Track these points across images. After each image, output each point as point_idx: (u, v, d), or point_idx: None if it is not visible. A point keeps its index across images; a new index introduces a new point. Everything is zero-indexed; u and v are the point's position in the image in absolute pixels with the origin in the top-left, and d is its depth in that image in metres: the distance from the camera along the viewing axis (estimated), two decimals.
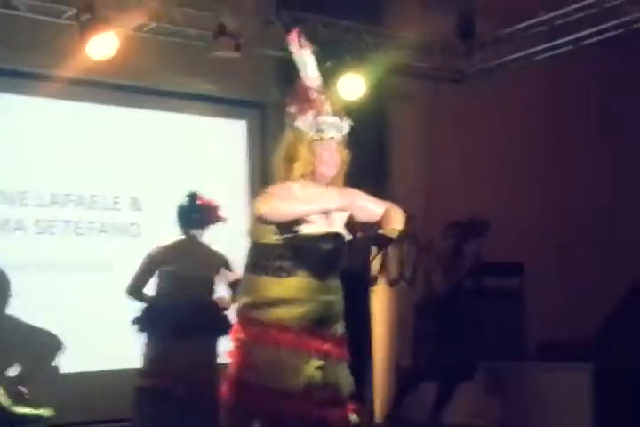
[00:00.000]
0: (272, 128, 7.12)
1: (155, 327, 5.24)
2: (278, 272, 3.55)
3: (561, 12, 6.89)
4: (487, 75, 7.65)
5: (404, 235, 3.71)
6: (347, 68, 6.70)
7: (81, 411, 5.89)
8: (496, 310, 7.52)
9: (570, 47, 7.11)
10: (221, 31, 6.14)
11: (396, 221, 3.65)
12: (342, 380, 3.64)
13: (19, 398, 5.18)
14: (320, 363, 3.55)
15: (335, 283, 3.65)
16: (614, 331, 7.24)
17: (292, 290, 3.55)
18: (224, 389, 3.63)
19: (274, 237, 3.53)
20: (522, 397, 6.66)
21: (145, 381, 5.19)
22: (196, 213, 5.34)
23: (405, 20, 7.58)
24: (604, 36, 6.84)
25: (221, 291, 5.50)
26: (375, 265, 7.05)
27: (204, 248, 5.40)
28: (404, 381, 6.55)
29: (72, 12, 5.83)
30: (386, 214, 3.69)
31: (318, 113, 3.63)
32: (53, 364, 6.05)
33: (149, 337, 5.27)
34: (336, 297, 3.66)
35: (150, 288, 5.39)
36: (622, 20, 6.65)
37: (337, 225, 3.65)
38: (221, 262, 5.42)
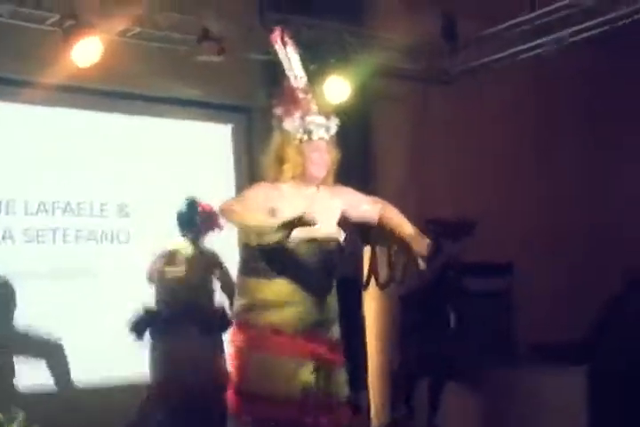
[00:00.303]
0: (258, 132, 7.12)
1: (157, 334, 5.29)
2: (267, 274, 3.55)
3: (544, 10, 6.91)
4: (472, 75, 7.66)
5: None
6: (331, 70, 6.69)
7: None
8: (485, 310, 7.51)
9: (554, 46, 7.14)
10: (205, 35, 6.12)
11: (422, 249, 3.67)
12: (337, 384, 3.63)
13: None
14: (314, 367, 3.54)
15: (328, 284, 3.65)
16: (607, 332, 7.25)
17: (282, 291, 3.55)
18: (228, 395, 3.63)
19: (258, 239, 3.53)
20: (514, 399, 6.64)
21: (153, 389, 5.26)
22: (197, 220, 5.43)
23: (389, 22, 7.59)
24: (588, 33, 6.86)
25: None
26: (365, 268, 7.04)
27: (201, 251, 5.46)
28: (396, 382, 6.54)
29: (55, 18, 5.79)
30: (414, 239, 3.70)
31: (305, 114, 3.64)
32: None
33: (153, 345, 5.32)
34: (330, 298, 3.66)
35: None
36: (607, 17, 6.67)
37: (327, 224, 3.63)
38: (216, 264, 5.46)
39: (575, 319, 7.35)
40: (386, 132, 7.86)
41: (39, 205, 6.30)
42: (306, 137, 3.62)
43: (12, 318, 5.90)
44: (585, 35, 6.86)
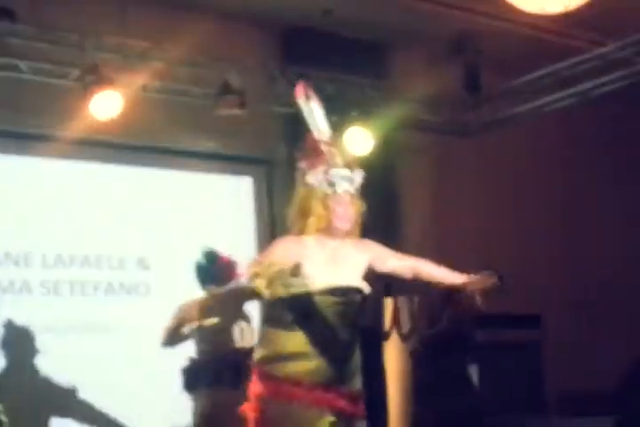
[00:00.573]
0: (278, 184, 7.13)
1: (203, 383, 5.25)
2: (288, 325, 3.52)
3: (567, 63, 6.90)
4: (495, 127, 7.64)
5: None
6: (353, 122, 6.68)
7: None
8: (514, 362, 7.43)
9: (576, 99, 7.11)
10: (226, 89, 6.17)
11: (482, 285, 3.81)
12: None
13: None
14: (333, 419, 3.49)
15: (350, 336, 3.60)
16: (636, 383, 7.10)
17: (302, 343, 3.51)
18: None
19: (282, 290, 3.45)
20: None
21: None
22: (216, 272, 5.37)
23: (411, 74, 7.59)
24: (610, 87, 6.83)
25: None
26: (387, 319, 6.95)
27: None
28: None
29: (76, 73, 5.87)
30: (471, 282, 3.79)
31: (329, 167, 3.63)
32: None
33: (199, 393, 5.27)
34: (351, 351, 3.61)
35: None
36: (628, 70, 6.65)
37: (350, 276, 3.61)
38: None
39: (604, 370, 7.23)
40: (409, 185, 7.82)
41: (57, 258, 6.27)
42: (330, 190, 3.61)
43: (33, 370, 5.85)
44: (610, 87, 6.84)
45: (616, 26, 6.46)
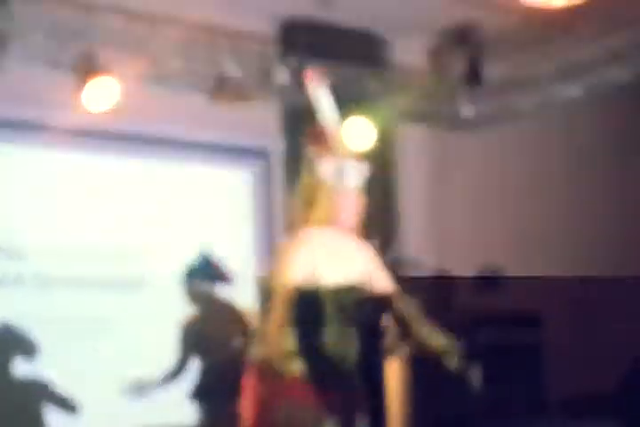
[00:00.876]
0: (277, 176, 7.09)
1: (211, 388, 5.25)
2: (294, 323, 3.41)
3: (570, 55, 6.84)
4: (496, 120, 7.59)
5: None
6: (352, 114, 6.61)
7: None
8: (514, 363, 7.37)
9: (580, 91, 7.05)
10: (224, 79, 6.12)
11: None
12: None
13: None
14: (337, 419, 3.43)
15: (352, 335, 3.54)
16: (637, 385, 7.09)
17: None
18: None
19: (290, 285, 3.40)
20: None
21: None
22: (210, 274, 5.38)
23: (411, 66, 7.54)
24: (615, 78, 6.77)
25: None
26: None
27: (224, 303, 5.43)
28: None
29: (71, 61, 5.79)
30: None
31: (339, 158, 3.53)
32: None
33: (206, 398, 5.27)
34: (354, 349, 3.55)
35: None
36: (634, 62, 6.59)
37: (354, 273, 3.51)
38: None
39: (605, 371, 7.19)
40: (407, 178, 7.77)
41: (51, 250, 6.19)
42: (338, 183, 3.52)
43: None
44: (615, 79, 6.78)
45: (621, 17, 6.40)
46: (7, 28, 5.57)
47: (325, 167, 3.51)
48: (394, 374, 6.92)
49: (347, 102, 6.56)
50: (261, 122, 6.93)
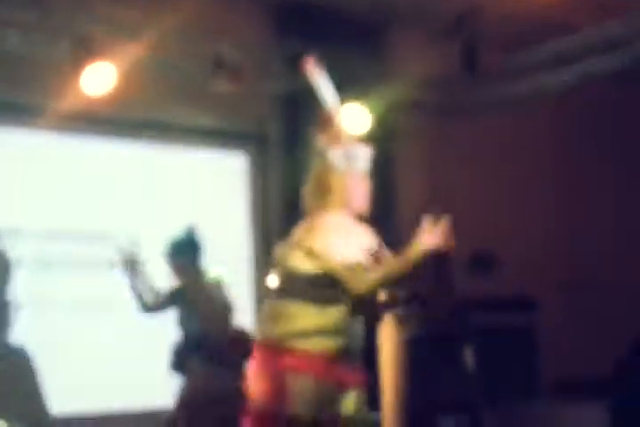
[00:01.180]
0: (272, 161, 7.14)
1: (190, 362, 5.24)
2: (320, 301, 3.52)
3: (567, 41, 6.85)
4: (493, 107, 7.61)
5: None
6: (348, 101, 6.62)
7: None
8: (508, 346, 7.43)
9: (576, 78, 7.06)
10: (221, 63, 6.14)
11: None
12: (364, 409, 3.68)
13: None
14: (354, 393, 3.58)
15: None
16: (630, 367, 7.13)
17: (333, 320, 3.53)
18: (249, 421, 3.59)
19: (309, 266, 3.51)
20: None
21: (181, 412, 5.17)
22: (196, 248, 5.38)
23: (408, 53, 7.56)
24: (611, 65, 6.79)
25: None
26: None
27: (214, 277, 5.44)
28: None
29: (67, 45, 5.80)
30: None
31: (348, 144, 3.64)
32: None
33: (186, 371, 5.26)
34: (362, 327, 3.69)
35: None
36: (630, 49, 6.60)
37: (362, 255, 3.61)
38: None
39: (598, 355, 7.24)
40: (404, 166, 7.80)
41: (48, 233, 6.23)
42: (349, 168, 3.62)
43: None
44: (610, 66, 6.79)
45: (617, 3, 6.41)
46: (2, 10, 5.58)
47: (335, 153, 3.61)
48: (389, 355, 6.97)
49: (343, 89, 6.67)
50: (258, 106, 6.97)
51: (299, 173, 6.78)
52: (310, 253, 3.52)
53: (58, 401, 5.57)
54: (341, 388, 3.55)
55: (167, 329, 5.39)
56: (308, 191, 3.69)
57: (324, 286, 3.51)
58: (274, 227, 7.04)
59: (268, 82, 6.72)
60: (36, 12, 5.67)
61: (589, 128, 8.62)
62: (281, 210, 7.06)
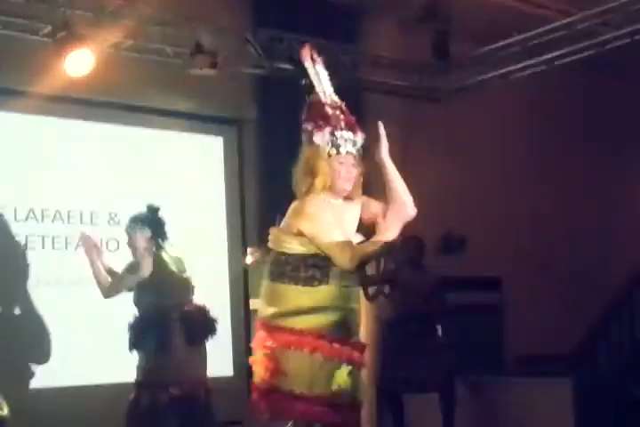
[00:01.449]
0: (248, 145, 7.21)
1: (147, 339, 5.22)
2: (310, 281, 3.67)
3: (534, 32, 7.00)
4: (463, 94, 7.75)
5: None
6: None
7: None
8: (474, 324, 7.58)
9: (543, 67, 7.23)
10: (198, 49, 6.21)
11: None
12: (362, 386, 3.80)
13: None
14: (349, 369, 3.68)
15: (357, 290, 3.77)
16: (593, 345, 7.32)
17: (324, 298, 3.67)
18: (254, 397, 3.73)
19: (302, 248, 3.68)
20: (502, 410, 6.66)
21: (139, 392, 5.19)
22: (152, 226, 5.40)
23: (382, 39, 7.66)
24: (576, 56, 6.95)
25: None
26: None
27: (174, 254, 5.44)
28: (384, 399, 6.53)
29: (48, 29, 5.89)
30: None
31: (334, 128, 3.76)
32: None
33: (143, 348, 5.25)
34: (358, 305, 3.80)
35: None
36: (595, 41, 6.77)
37: (351, 233, 3.77)
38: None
39: (562, 333, 7.42)
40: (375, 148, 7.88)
41: (28, 213, 6.29)
42: (334, 151, 3.75)
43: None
44: (577, 56, 6.96)
45: None
46: None
47: (324, 137, 3.75)
48: (365, 333, 7.11)
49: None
50: (234, 90, 7.05)
51: (273, 156, 6.96)
52: (299, 235, 3.68)
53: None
54: (338, 364, 3.66)
55: None
56: (296, 175, 3.82)
57: (314, 267, 3.67)
58: (249, 207, 7.17)
59: (245, 67, 6.79)
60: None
61: (559, 114, 8.76)
62: (257, 191, 7.19)
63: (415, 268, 6.36)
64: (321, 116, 3.78)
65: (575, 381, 6.33)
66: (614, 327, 7.51)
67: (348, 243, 3.66)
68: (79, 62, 5.83)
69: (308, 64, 3.90)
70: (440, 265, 6.87)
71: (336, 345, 3.66)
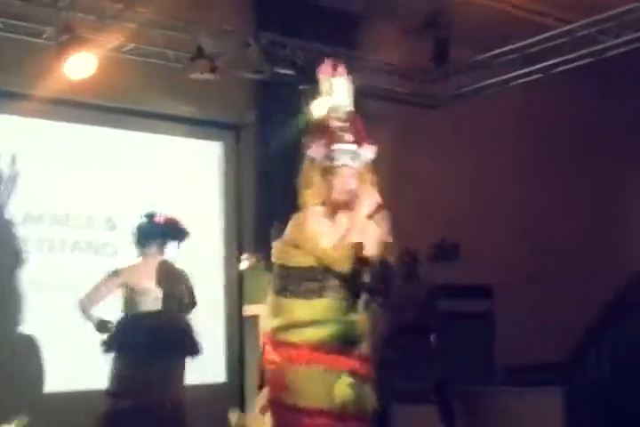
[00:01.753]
0: (247, 149, 7.21)
1: (124, 348, 5.20)
2: (308, 294, 3.70)
3: (533, 40, 7.03)
4: (461, 100, 7.77)
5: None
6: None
7: None
8: (465, 331, 7.59)
9: (541, 74, 7.26)
10: (199, 53, 6.21)
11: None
12: (368, 396, 3.78)
13: None
14: (351, 380, 3.69)
15: (359, 302, 3.79)
16: (583, 355, 7.31)
17: (320, 311, 3.70)
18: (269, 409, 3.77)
19: (301, 260, 3.71)
20: (492, 420, 6.66)
21: (113, 401, 5.17)
22: (156, 230, 5.38)
23: (382, 46, 7.67)
24: (575, 64, 6.99)
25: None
26: None
27: (169, 266, 5.42)
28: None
29: (50, 32, 5.89)
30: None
31: (332, 142, 3.76)
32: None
33: (118, 357, 5.23)
34: (361, 316, 3.81)
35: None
36: (593, 48, 6.81)
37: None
38: (187, 280, 5.45)
39: (553, 342, 7.43)
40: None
41: (25, 215, 6.29)
42: (329, 164, 3.76)
43: None
44: (575, 64, 6.99)
45: (583, 4, 6.58)
46: None
47: (318, 150, 3.78)
48: None
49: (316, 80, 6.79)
50: (234, 95, 7.06)
51: (272, 162, 6.98)
52: (297, 247, 3.71)
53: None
54: (338, 375, 3.67)
55: None
56: (298, 187, 3.86)
57: (311, 280, 3.70)
58: (246, 212, 7.18)
59: (245, 72, 6.80)
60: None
61: (556, 121, 8.77)
62: (254, 196, 7.20)
63: (409, 280, 6.41)
64: (318, 130, 3.82)
65: (565, 390, 6.34)
66: (605, 337, 7.51)
67: (341, 244, 3.66)
68: (81, 65, 5.82)
69: (323, 77, 3.91)
70: (433, 272, 6.89)
71: (335, 356, 3.68)
